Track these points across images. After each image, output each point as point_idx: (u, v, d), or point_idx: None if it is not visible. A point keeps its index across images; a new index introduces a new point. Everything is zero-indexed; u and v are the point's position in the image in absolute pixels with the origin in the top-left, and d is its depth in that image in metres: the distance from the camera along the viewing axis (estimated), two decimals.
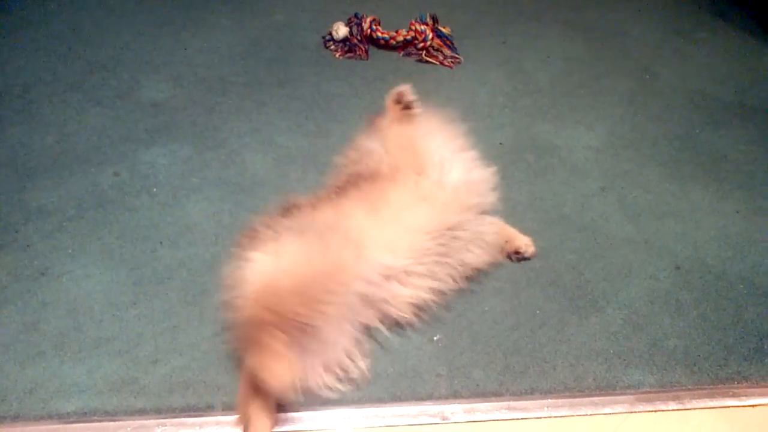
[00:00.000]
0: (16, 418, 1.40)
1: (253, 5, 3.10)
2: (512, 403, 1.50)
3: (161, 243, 1.83)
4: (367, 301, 1.51)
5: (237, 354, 1.49)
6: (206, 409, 1.44)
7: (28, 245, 1.80)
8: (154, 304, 1.66)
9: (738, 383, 1.58)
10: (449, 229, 1.61)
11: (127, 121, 2.29)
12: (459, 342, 1.61)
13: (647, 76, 2.76)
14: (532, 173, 2.17)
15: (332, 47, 2.78)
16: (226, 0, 3.12)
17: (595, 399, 1.52)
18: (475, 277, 1.73)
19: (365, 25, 2.75)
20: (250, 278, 1.41)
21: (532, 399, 1.51)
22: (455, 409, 1.48)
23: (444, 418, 1.46)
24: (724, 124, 2.49)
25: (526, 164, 2.20)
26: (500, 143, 2.29)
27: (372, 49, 2.79)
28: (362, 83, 2.59)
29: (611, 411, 1.51)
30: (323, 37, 2.83)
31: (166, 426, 1.41)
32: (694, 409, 1.53)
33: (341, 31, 2.74)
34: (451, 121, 1.85)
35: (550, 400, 1.51)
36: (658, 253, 1.90)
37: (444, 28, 2.81)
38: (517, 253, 1.81)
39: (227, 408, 1.44)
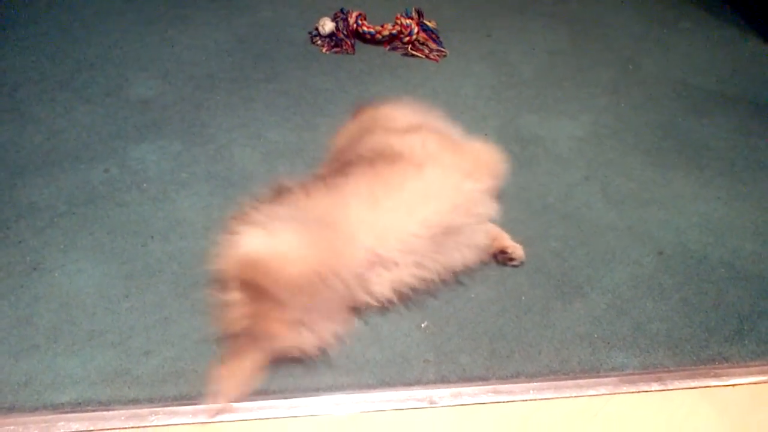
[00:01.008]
0: (11, 410, 1.42)
1: (239, 2, 3.12)
2: (498, 387, 1.53)
3: (152, 237, 1.85)
4: (354, 285, 1.55)
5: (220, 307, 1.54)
6: (198, 398, 1.46)
7: (20, 241, 1.82)
8: (146, 296, 1.68)
9: (719, 364, 1.61)
10: (447, 229, 1.63)
11: (116, 118, 2.31)
12: (446, 328, 1.64)
13: (630, 67, 2.80)
14: (517, 163, 2.19)
15: (319, 42, 2.80)
16: None
17: (580, 381, 1.56)
18: (460, 274, 1.76)
19: (351, 20, 2.77)
20: (242, 247, 1.47)
21: (518, 382, 1.54)
22: (443, 394, 1.51)
23: (432, 403, 1.49)
24: (706, 113, 2.53)
25: (511, 155, 2.22)
26: (485, 134, 2.31)
27: (358, 44, 2.82)
28: (349, 77, 2.61)
29: (595, 393, 1.54)
30: (310, 33, 2.86)
31: (158, 415, 1.43)
32: (677, 389, 1.56)
33: (327, 26, 2.77)
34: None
35: (535, 383, 1.54)
36: (641, 239, 1.94)
37: (429, 21, 2.84)
38: (503, 252, 1.82)
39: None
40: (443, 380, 1.53)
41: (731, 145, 2.35)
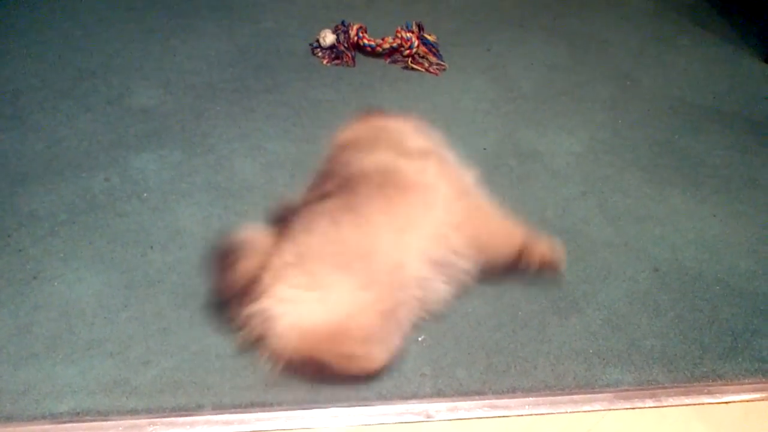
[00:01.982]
0: (10, 419, 1.43)
1: (241, 12, 3.14)
2: (494, 402, 1.54)
3: (151, 247, 1.86)
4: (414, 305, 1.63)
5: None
6: (196, 409, 1.47)
7: (20, 249, 1.83)
8: (145, 306, 1.69)
9: (713, 381, 1.62)
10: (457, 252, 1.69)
11: (117, 127, 2.32)
12: (443, 342, 1.66)
13: (628, 83, 2.82)
14: (515, 178, 2.21)
15: (320, 54, 2.82)
16: (214, 7, 3.15)
17: (575, 397, 1.57)
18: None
19: (352, 33, 2.79)
20: (294, 323, 1.49)
21: (514, 397, 1.55)
22: (439, 408, 1.52)
23: (428, 417, 1.50)
24: (703, 129, 2.55)
25: (508, 169, 2.25)
26: (484, 148, 2.33)
27: (359, 56, 2.84)
28: (349, 90, 2.63)
29: (590, 408, 1.55)
30: (311, 44, 2.87)
31: (157, 425, 1.44)
32: (671, 406, 1.57)
33: (328, 38, 2.79)
34: None
35: (531, 398, 1.55)
36: (637, 256, 1.96)
37: (430, 35, 2.86)
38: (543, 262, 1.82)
39: (217, 407, 1.47)
40: (440, 394, 1.54)
41: (727, 162, 2.37)
